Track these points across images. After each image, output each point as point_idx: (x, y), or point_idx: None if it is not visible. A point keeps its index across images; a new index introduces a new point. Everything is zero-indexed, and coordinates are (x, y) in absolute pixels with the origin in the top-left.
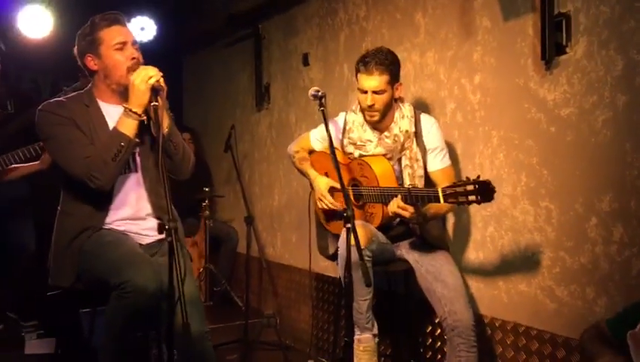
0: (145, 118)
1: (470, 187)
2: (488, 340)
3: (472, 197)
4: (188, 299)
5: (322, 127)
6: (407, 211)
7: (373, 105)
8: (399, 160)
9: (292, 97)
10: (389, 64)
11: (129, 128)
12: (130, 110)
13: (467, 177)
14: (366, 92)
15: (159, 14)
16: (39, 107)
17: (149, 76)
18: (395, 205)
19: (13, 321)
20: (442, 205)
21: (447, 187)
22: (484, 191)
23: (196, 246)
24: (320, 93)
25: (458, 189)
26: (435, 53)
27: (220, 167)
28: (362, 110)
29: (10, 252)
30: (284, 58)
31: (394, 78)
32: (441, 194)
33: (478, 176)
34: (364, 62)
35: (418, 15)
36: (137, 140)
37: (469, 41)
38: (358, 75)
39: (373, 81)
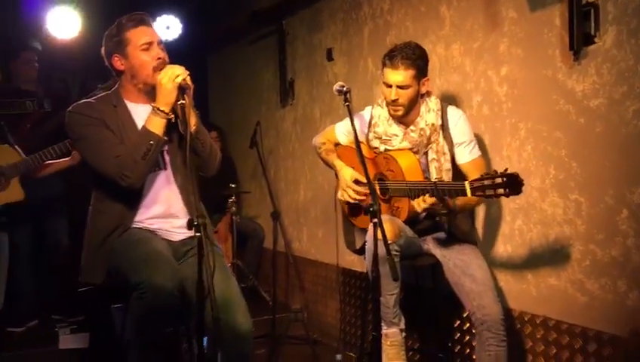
0: (173, 116)
1: (498, 180)
2: (517, 334)
3: (500, 190)
4: (230, 296)
5: (348, 120)
6: (435, 205)
7: (397, 99)
8: (425, 153)
9: (316, 92)
10: (416, 58)
11: (157, 127)
12: (158, 109)
13: (495, 170)
14: (391, 86)
15: (184, 13)
16: (69, 108)
17: (175, 75)
18: (421, 203)
19: (48, 318)
20: (471, 198)
21: (475, 180)
22: (513, 184)
23: (223, 243)
24: (345, 89)
25: (486, 182)
26: (460, 45)
27: (245, 164)
28: (386, 104)
29: (46, 248)
30: (308, 53)
31: (420, 73)
32: (468, 188)
33: (506, 169)
34: (391, 57)
35: (443, 7)
36: (166, 138)
37: (495, 33)
38: (384, 68)
39: (398, 75)
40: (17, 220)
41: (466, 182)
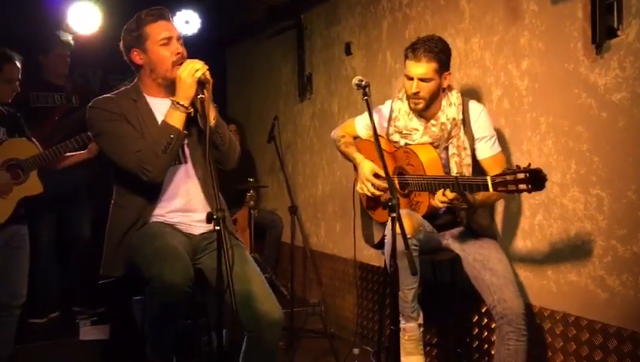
0: (192, 110)
1: (520, 175)
2: (537, 330)
3: (522, 186)
4: (257, 287)
5: (367, 114)
6: (455, 200)
7: (418, 92)
8: (446, 148)
9: (334, 87)
10: (438, 52)
11: (177, 121)
12: (178, 103)
13: (517, 165)
14: (412, 78)
15: (203, 8)
16: (89, 104)
17: (195, 69)
18: (441, 197)
19: (69, 309)
20: (491, 193)
21: (497, 175)
22: (536, 180)
23: (241, 236)
24: (364, 83)
25: (508, 178)
26: (480, 38)
27: (263, 158)
28: (407, 97)
29: (67, 240)
30: (326, 47)
31: (442, 67)
32: (490, 183)
33: (529, 165)
34: (413, 49)
35: (462, 0)
36: (186, 132)
37: (515, 26)
38: (406, 61)
39: (420, 68)
40: (38, 212)
41: (488, 177)
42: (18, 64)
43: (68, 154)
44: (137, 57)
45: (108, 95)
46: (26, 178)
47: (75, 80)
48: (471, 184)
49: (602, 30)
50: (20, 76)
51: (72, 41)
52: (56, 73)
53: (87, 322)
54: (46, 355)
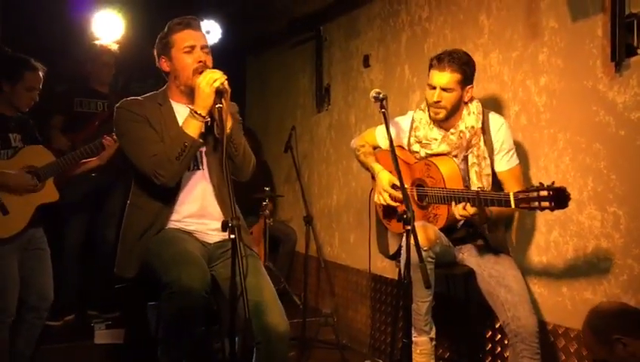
0: (209, 119)
1: (544, 193)
2: (551, 347)
3: (544, 203)
4: (266, 298)
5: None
6: (475, 214)
7: (440, 101)
8: (465, 158)
9: (352, 99)
10: (463, 64)
11: (193, 129)
12: (195, 112)
13: (541, 183)
14: (434, 87)
15: (224, 18)
16: (117, 104)
17: (213, 79)
18: (461, 210)
19: (84, 313)
20: (506, 208)
21: (520, 192)
22: (559, 198)
23: (256, 246)
24: (381, 96)
25: (531, 195)
26: (499, 54)
27: (279, 167)
28: (428, 106)
29: (93, 243)
30: (344, 59)
31: (466, 80)
32: (512, 199)
33: (553, 183)
34: (439, 58)
35: (482, 16)
36: (201, 141)
37: (534, 42)
38: (431, 70)
39: (443, 77)
40: (70, 214)
41: (511, 193)
42: (40, 74)
43: (83, 161)
44: (165, 64)
45: (136, 97)
46: (43, 185)
47: (118, 90)
48: (493, 199)
49: (622, 48)
50: (40, 86)
51: (117, 50)
52: (101, 81)
53: (102, 326)
54: (60, 358)
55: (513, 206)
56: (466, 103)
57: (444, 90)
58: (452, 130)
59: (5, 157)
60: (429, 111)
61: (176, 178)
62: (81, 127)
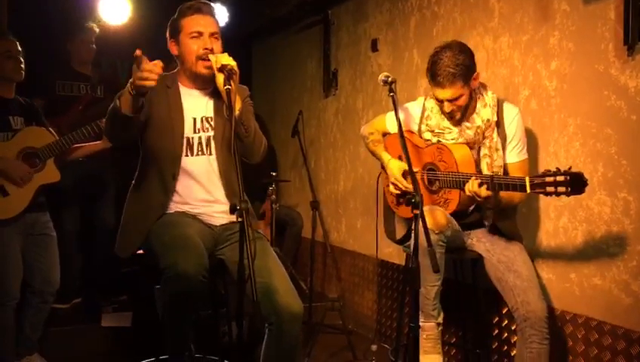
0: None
1: (561, 178)
2: (558, 333)
3: (561, 189)
4: (278, 280)
5: (398, 110)
6: (487, 197)
7: (453, 110)
8: (478, 149)
9: (360, 83)
10: (458, 70)
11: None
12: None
13: (557, 168)
14: (442, 101)
15: (231, 2)
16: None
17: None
18: (475, 184)
19: (92, 296)
20: (514, 194)
21: (536, 176)
22: (576, 184)
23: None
24: (390, 79)
25: (548, 179)
26: (509, 37)
27: (286, 152)
28: (442, 111)
29: (93, 228)
30: (352, 44)
31: (467, 78)
32: (528, 183)
33: (570, 168)
34: (433, 76)
35: None
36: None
37: (545, 26)
38: (431, 85)
39: (446, 93)
40: (63, 200)
41: (527, 178)
42: (12, 39)
43: (81, 144)
44: (173, 48)
45: None
46: (43, 166)
47: (103, 70)
48: (507, 183)
49: (635, 32)
50: (19, 51)
51: (96, 28)
52: (80, 60)
53: (109, 309)
54: (68, 340)
55: (528, 190)
56: (479, 89)
57: (451, 100)
58: (467, 124)
59: (5, 140)
60: (444, 114)
61: (112, 139)
62: (64, 111)
